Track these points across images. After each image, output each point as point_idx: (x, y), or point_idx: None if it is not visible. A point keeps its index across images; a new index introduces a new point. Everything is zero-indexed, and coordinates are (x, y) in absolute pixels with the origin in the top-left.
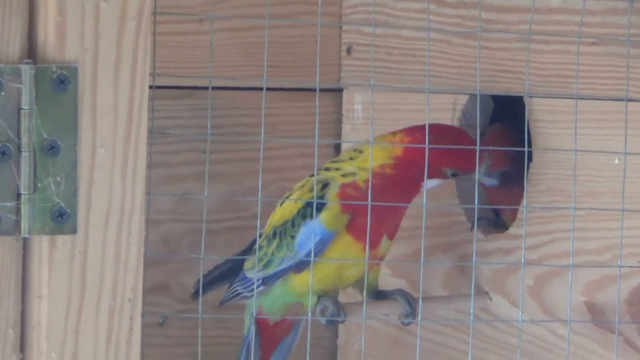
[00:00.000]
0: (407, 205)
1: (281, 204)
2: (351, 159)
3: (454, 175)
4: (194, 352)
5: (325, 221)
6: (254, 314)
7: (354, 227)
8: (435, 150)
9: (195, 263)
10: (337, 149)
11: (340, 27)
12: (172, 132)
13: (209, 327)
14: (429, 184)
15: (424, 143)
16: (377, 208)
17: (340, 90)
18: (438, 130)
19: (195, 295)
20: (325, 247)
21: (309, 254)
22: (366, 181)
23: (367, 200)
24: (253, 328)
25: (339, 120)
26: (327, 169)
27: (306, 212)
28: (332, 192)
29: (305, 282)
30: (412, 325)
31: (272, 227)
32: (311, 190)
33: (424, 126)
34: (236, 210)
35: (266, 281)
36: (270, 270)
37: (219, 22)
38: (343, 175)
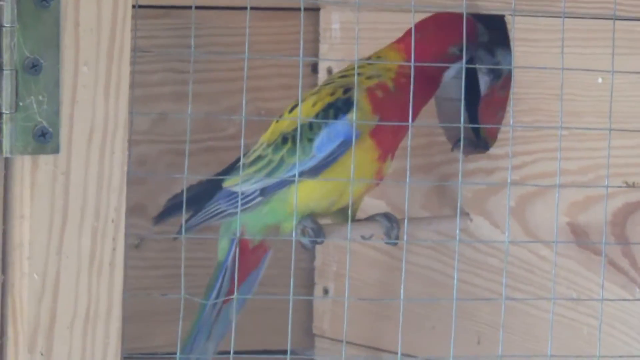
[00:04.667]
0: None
1: (290, 112)
2: (370, 64)
3: (461, 51)
4: (170, 274)
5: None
6: (238, 233)
7: (377, 131)
8: (438, 37)
9: (171, 184)
10: (314, 69)
11: None
12: (153, 50)
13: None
14: (448, 74)
15: (423, 42)
16: (401, 112)
17: (316, 9)
18: (432, 21)
19: (158, 219)
20: (345, 151)
21: (327, 157)
22: (393, 80)
23: (396, 101)
24: (235, 247)
25: (316, 40)
26: (343, 76)
27: (328, 113)
28: (360, 94)
29: (309, 192)
30: (390, 246)
31: (280, 134)
32: (331, 94)
33: (420, 24)
34: (213, 130)
35: (267, 191)
36: (277, 177)
37: None
38: (368, 78)
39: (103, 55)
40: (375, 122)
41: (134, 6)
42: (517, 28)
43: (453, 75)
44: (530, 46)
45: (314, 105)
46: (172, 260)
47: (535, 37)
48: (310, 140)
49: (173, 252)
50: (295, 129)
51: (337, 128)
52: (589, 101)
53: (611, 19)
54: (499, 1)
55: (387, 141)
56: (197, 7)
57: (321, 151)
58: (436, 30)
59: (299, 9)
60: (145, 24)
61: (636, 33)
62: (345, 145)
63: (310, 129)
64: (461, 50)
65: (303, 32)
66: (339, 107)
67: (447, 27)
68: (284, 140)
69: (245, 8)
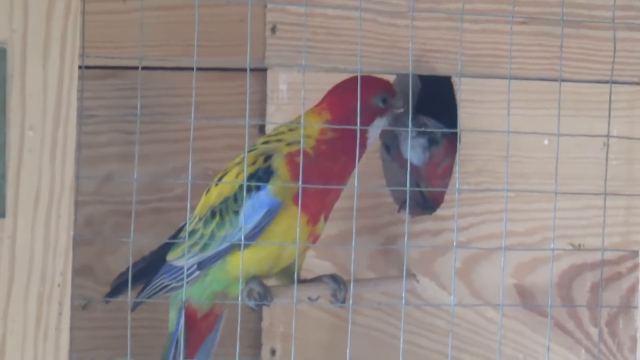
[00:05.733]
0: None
1: (216, 184)
2: (290, 130)
3: (385, 102)
4: (117, 335)
5: (274, 190)
6: (184, 303)
7: (300, 197)
8: (361, 88)
9: (119, 245)
10: (262, 130)
11: (265, 6)
12: (99, 113)
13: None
14: (373, 130)
15: (346, 96)
16: (323, 177)
17: (264, 70)
18: (349, 80)
19: (110, 295)
20: (272, 220)
21: (254, 228)
22: (314, 148)
23: (317, 167)
24: (183, 319)
25: (263, 101)
26: (266, 142)
27: (251, 185)
28: (280, 161)
29: (245, 260)
30: (337, 307)
31: (209, 208)
32: (253, 164)
33: (339, 84)
34: (160, 191)
35: (203, 265)
36: (210, 252)
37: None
38: (288, 144)
39: (49, 119)
40: (294, 190)
41: (80, 67)
42: (463, 89)
43: (377, 133)
44: (477, 107)
45: (237, 176)
46: (119, 320)
47: (482, 98)
48: (236, 212)
49: (120, 313)
50: (222, 202)
51: (260, 198)
52: (535, 163)
53: (557, 80)
54: (446, 63)
55: (313, 206)
56: (144, 68)
57: (248, 222)
58: (358, 84)
59: (245, 70)
60: (91, 84)
61: (582, 95)
62: (270, 215)
63: (235, 202)
64: (385, 102)
65: (250, 93)
66: (259, 177)
67: (368, 81)
68: (213, 214)
69: (191, 69)
